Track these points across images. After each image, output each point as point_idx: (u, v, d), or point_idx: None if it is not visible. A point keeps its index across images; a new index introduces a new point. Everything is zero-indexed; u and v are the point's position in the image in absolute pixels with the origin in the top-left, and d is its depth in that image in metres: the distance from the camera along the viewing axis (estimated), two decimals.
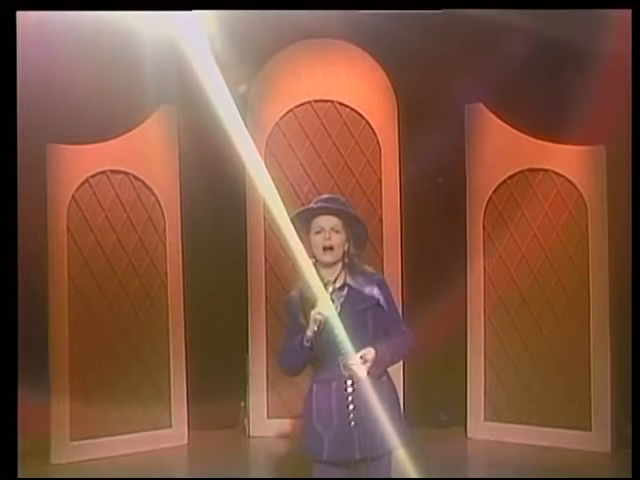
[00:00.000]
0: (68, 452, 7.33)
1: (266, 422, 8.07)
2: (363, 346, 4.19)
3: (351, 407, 4.24)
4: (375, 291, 4.34)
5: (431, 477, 5.02)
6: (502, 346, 7.97)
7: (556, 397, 7.71)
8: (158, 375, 7.85)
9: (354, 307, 4.28)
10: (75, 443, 7.38)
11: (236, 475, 6.92)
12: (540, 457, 7.39)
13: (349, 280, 4.34)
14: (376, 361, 4.19)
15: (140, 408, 7.70)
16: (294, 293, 4.41)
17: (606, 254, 7.51)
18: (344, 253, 4.34)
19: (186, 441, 7.92)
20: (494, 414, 7.98)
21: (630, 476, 4.98)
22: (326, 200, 4.44)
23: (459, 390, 8.04)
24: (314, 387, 4.37)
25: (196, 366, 8.00)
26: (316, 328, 4.19)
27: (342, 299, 4.31)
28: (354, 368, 4.18)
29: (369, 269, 4.45)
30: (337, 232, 4.32)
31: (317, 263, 4.32)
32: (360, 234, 4.40)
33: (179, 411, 7.91)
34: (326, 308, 4.21)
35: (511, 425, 7.86)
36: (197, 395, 7.94)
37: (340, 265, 4.35)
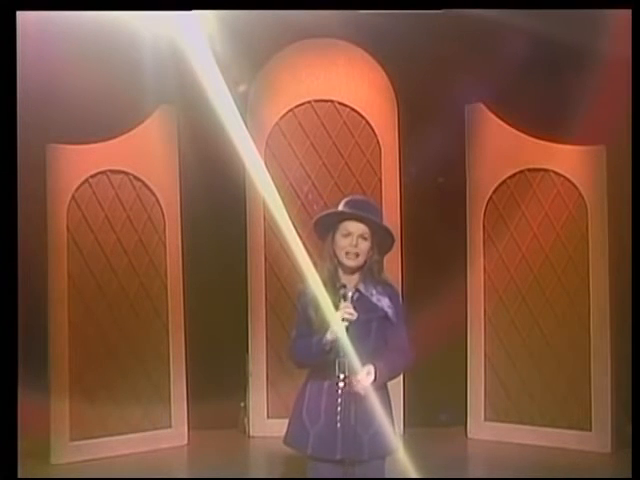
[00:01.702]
0: (68, 452, 7.33)
1: (266, 422, 8.07)
2: (362, 353, 4.18)
3: (339, 409, 4.25)
4: (384, 302, 4.31)
5: (431, 477, 5.02)
6: (502, 346, 7.97)
7: (556, 397, 7.71)
8: (158, 375, 7.84)
9: (360, 315, 4.24)
10: (75, 443, 7.37)
11: (236, 475, 6.93)
12: (540, 457, 7.40)
13: (361, 286, 4.32)
14: (374, 379, 4.18)
15: (140, 408, 7.69)
16: (305, 287, 4.36)
17: (606, 254, 7.51)
18: (366, 260, 4.33)
19: (186, 441, 7.91)
20: (494, 414, 7.98)
21: (630, 476, 4.98)
22: (360, 203, 4.40)
23: (459, 390, 8.04)
24: (308, 383, 4.39)
25: (196, 366, 7.99)
26: (335, 332, 4.18)
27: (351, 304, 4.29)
28: (357, 386, 4.17)
29: (386, 279, 4.41)
30: (365, 239, 4.30)
31: (338, 265, 4.31)
32: (385, 243, 4.38)
33: (179, 411, 7.91)
34: (339, 313, 4.20)
35: (511, 425, 7.87)
36: (197, 395, 7.94)
37: (360, 272, 4.34)
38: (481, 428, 7.99)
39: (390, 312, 4.31)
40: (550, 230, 7.80)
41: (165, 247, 7.92)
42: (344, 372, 4.23)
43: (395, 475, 4.54)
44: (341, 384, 4.24)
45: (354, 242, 4.28)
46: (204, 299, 8.19)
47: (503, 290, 7.97)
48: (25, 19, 5.03)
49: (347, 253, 4.29)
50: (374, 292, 4.32)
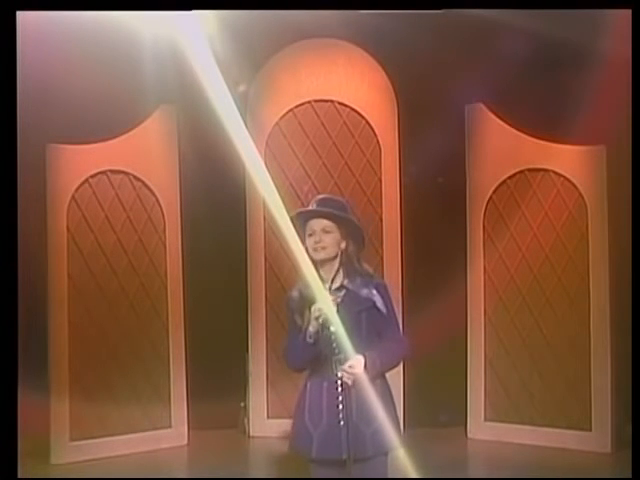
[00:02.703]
0: (68, 452, 7.33)
1: (266, 422, 8.08)
2: (356, 348, 4.20)
3: (340, 407, 4.25)
4: (372, 293, 4.33)
5: (431, 477, 5.02)
6: (502, 346, 7.97)
7: (556, 397, 7.71)
8: (158, 375, 7.85)
9: (350, 309, 4.27)
10: (75, 443, 7.38)
11: (236, 475, 6.93)
12: (540, 457, 7.39)
13: (346, 282, 4.34)
14: (366, 369, 4.19)
15: (140, 408, 7.70)
16: (293, 292, 4.42)
17: (606, 254, 7.51)
18: (341, 252, 4.34)
19: (186, 441, 7.92)
20: (494, 414, 7.98)
21: (630, 476, 4.98)
22: (321, 201, 4.44)
23: (459, 390, 8.04)
24: (308, 385, 4.39)
25: (196, 366, 8.00)
26: (316, 323, 4.21)
27: (338, 300, 4.30)
28: (344, 378, 4.20)
29: (369, 271, 4.44)
30: (327, 232, 4.33)
31: (313, 262, 4.34)
32: (355, 234, 4.40)
33: (179, 411, 7.92)
34: (326, 306, 4.22)
35: (511, 425, 7.86)
36: (197, 395, 7.94)
37: (337, 264, 4.35)
38: (481, 428, 7.98)
39: (378, 301, 4.33)
40: (550, 230, 7.80)
41: (165, 247, 7.93)
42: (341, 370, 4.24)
43: (395, 475, 4.54)
44: (339, 382, 4.25)
45: (317, 238, 4.31)
46: (204, 299, 8.20)
47: (503, 290, 7.98)
48: (25, 19, 5.02)
49: (314, 249, 4.32)
50: (358, 284, 4.34)
